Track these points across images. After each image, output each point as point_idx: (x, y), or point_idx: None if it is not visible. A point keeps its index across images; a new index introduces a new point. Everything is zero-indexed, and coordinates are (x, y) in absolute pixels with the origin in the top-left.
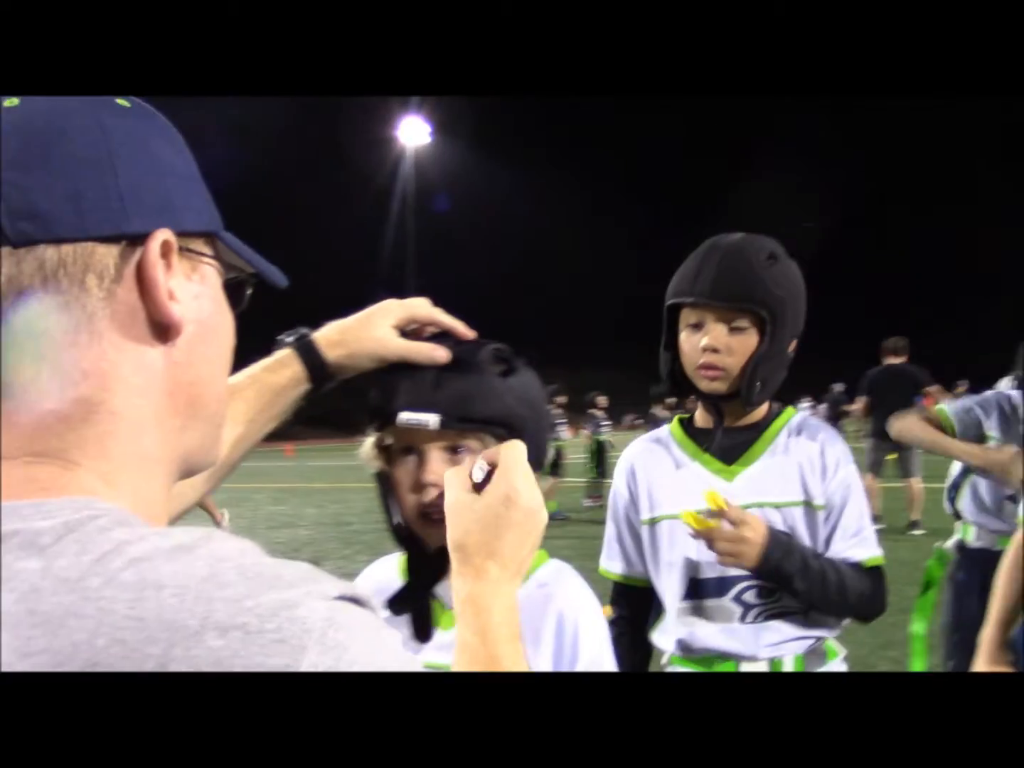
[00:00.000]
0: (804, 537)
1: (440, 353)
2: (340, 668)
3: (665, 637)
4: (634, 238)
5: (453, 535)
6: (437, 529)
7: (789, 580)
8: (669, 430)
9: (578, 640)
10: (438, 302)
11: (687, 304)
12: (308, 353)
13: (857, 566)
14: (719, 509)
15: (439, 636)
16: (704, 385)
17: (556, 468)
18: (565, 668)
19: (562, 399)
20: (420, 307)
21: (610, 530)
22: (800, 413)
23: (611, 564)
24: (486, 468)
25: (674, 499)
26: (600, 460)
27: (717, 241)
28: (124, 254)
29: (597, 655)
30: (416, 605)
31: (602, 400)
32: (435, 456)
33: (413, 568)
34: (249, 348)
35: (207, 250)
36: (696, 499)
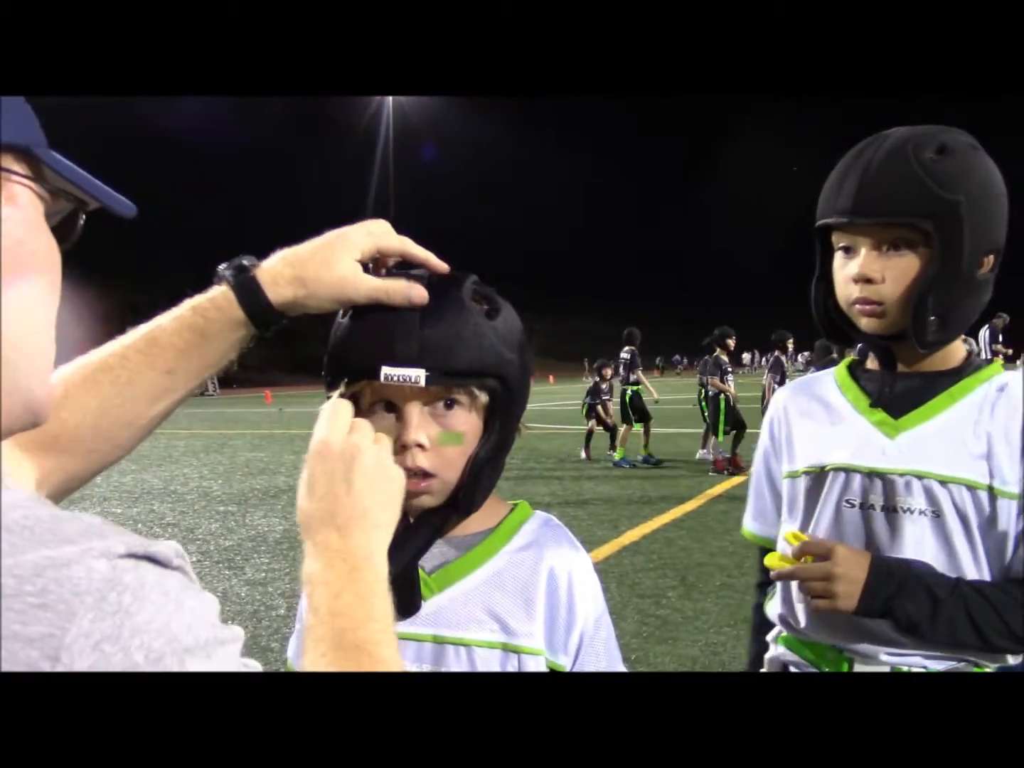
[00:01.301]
0: (976, 533)
1: (418, 292)
2: (122, 637)
3: (774, 610)
4: (629, 189)
5: (298, 513)
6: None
7: (912, 625)
8: (833, 372)
9: (573, 601)
10: (433, 246)
11: (834, 225)
12: (249, 293)
13: None
14: (801, 544)
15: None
16: (863, 324)
17: (639, 414)
18: (561, 632)
19: (732, 342)
20: (387, 236)
21: (752, 483)
22: (1010, 372)
23: (750, 522)
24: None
25: (823, 452)
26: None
27: (869, 141)
28: None
29: (594, 615)
30: (401, 579)
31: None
32: (417, 412)
33: (394, 540)
34: None
35: (17, 168)
36: (850, 454)
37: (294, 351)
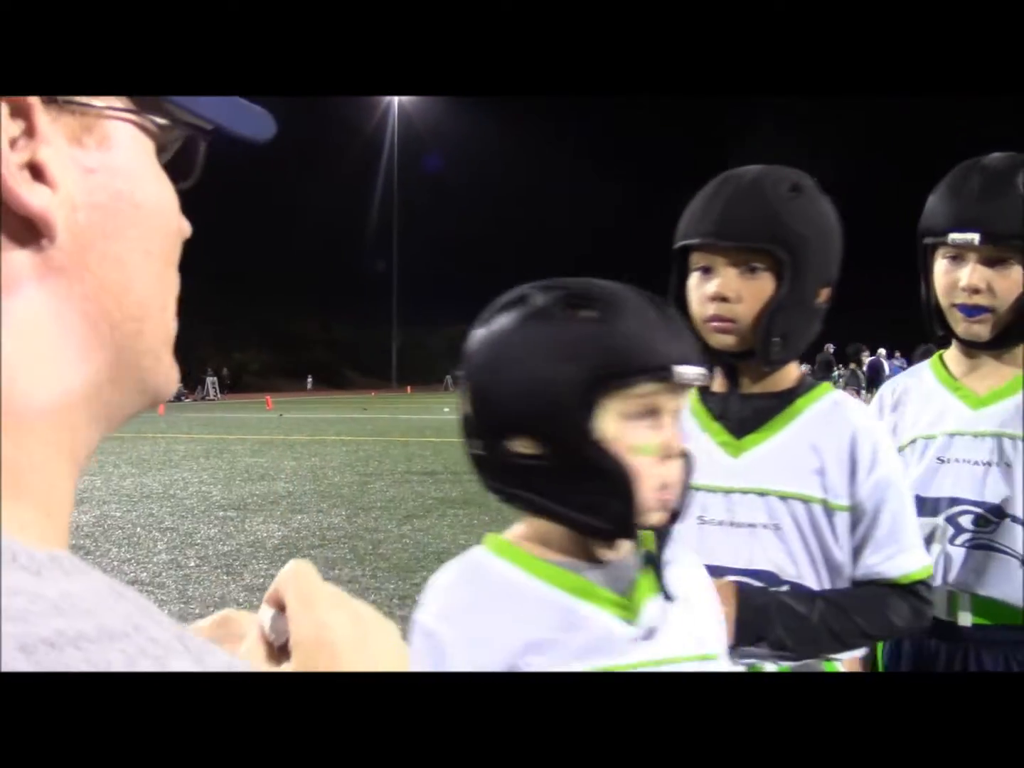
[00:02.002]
0: (813, 544)
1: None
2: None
3: None
4: (627, 190)
5: None
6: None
7: (783, 647)
8: None
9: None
10: (428, 252)
11: (694, 246)
12: None
13: (892, 586)
14: None
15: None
16: (713, 340)
17: None
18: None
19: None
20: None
21: None
22: (838, 391)
23: None
24: (272, 614)
25: None
26: None
27: (730, 174)
28: None
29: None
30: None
31: None
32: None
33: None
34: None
35: (116, 100)
36: (700, 474)
37: (296, 357)
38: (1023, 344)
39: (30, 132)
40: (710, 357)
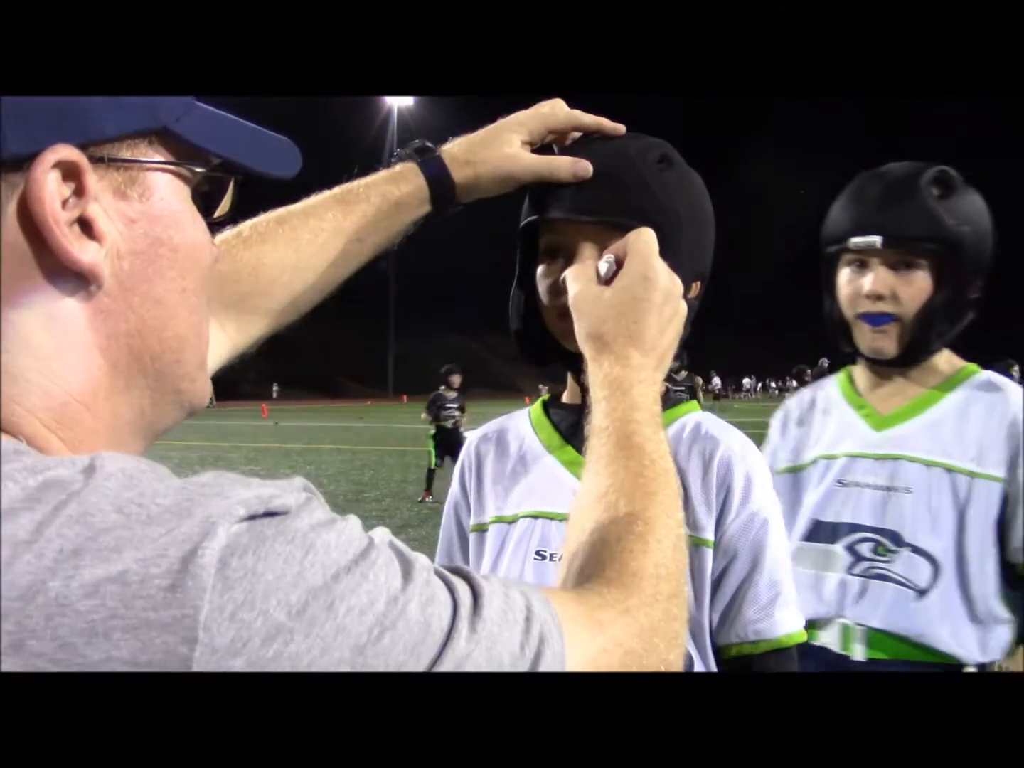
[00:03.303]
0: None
1: (583, 167)
2: (256, 600)
3: None
4: None
5: (586, 327)
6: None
7: None
8: (529, 410)
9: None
10: (425, 263)
11: (544, 223)
12: (435, 169)
13: (768, 652)
14: None
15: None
16: (569, 340)
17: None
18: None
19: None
20: (554, 112)
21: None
22: (704, 413)
23: None
24: (613, 262)
25: (514, 501)
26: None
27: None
28: (7, 184)
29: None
30: None
31: (455, 379)
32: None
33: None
34: None
35: (155, 153)
36: (540, 499)
37: (291, 366)
38: (929, 359)
39: (80, 192)
40: (561, 358)
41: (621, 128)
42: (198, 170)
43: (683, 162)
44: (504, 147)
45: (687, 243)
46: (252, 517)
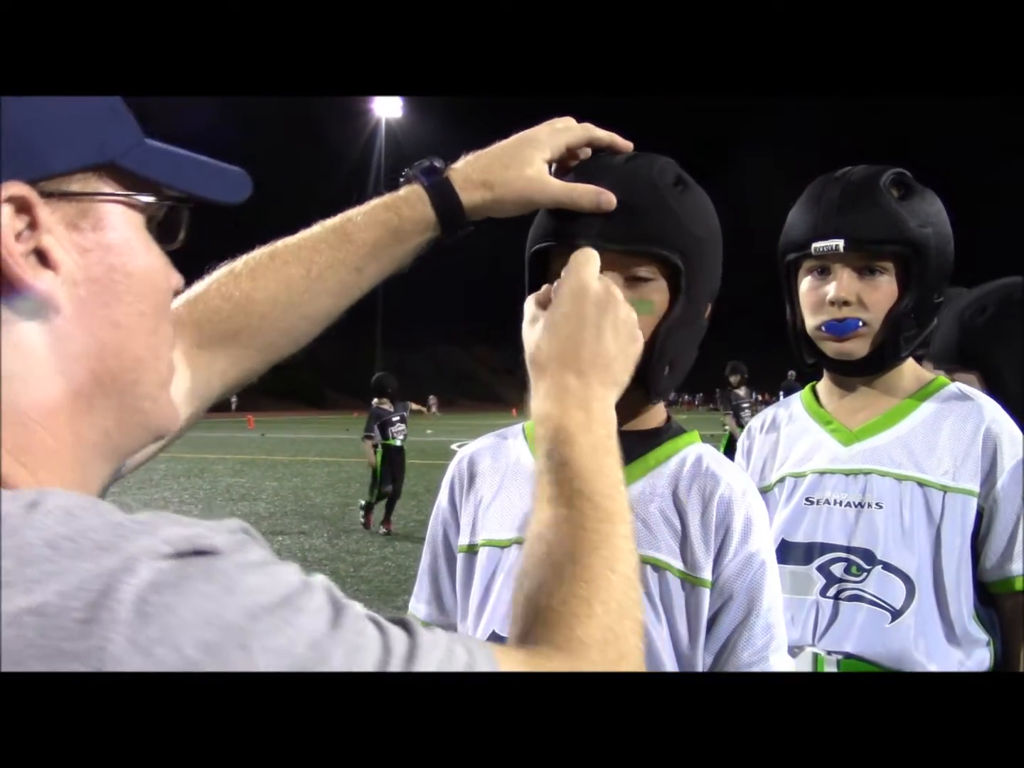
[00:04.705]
0: (678, 617)
1: (607, 199)
2: (169, 637)
3: None
4: None
5: (526, 354)
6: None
7: None
8: (523, 425)
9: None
10: (412, 273)
11: (556, 248)
12: (442, 194)
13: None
14: None
15: None
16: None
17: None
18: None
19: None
20: (572, 131)
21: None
22: (704, 445)
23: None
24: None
25: (508, 524)
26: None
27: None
28: None
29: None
30: None
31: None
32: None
33: None
34: None
35: (105, 185)
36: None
37: (278, 377)
38: (896, 368)
39: (33, 225)
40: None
41: (629, 145)
42: (147, 200)
43: (691, 179)
44: (525, 168)
45: (708, 266)
46: (179, 555)
